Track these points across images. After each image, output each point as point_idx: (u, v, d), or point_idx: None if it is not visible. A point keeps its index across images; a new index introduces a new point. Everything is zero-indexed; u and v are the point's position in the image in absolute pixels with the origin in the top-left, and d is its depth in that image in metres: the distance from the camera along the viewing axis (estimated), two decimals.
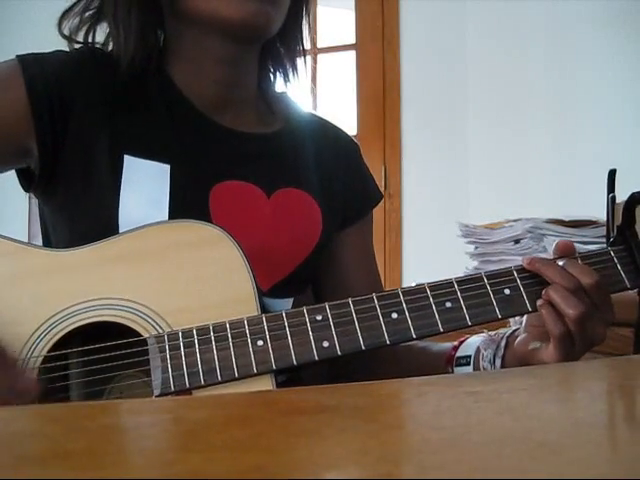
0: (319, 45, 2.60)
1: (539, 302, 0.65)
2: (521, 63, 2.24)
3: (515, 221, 1.52)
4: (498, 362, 0.71)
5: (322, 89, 2.61)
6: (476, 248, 1.63)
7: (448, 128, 2.39)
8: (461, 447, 0.32)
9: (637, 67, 1.94)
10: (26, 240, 0.80)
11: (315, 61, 2.56)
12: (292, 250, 0.80)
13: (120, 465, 0.30)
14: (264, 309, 0.66)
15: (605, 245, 0.70)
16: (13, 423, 0.39)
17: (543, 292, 0.65)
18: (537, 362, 0.66)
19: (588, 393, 0.48)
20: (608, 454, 0.31)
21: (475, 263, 1.60)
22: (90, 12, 0.78)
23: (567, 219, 1.46)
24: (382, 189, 2.41)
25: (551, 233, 1.42)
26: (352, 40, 2.54)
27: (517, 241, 1.48)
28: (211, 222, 0.73)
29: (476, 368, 0.73)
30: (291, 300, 0.80)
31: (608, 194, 0.72)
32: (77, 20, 0.79)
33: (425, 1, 2.43)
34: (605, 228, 0.72)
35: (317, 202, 0.83)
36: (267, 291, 0.76)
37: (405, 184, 2.43)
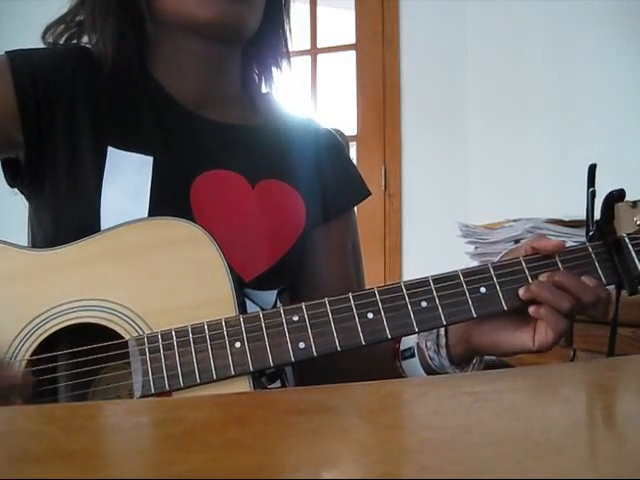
0: (319, 45, 2.59)
1: (531, 309, 0.65)
2: (521, 63, 2.24)
3: (515, 221, 1.52)
4: (443, 351, 0.72)
5: (322, 89, 2.61)
6: (476, 248, 1.63)
7: (448, 128, 2.39)
8: (461, 447, 0.32)
9: (637, 67, 1.93)
10: (25, 237, 0.80)
11: (315, 61, 2.57)
12: (276, 241, 0.80)
13: (119, 465, 0.30)
14: (248, 300, 0.66)
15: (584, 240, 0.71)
16: (13, 423, 0.39)
17: (532, 309, 0.65)
18: (517, 345, 0.67)
19: (588, 393, 0.48)
20: (608, 454, 0.31)
21: (475, 263, 1.60)
22: (72, 29, 0.80)
23: (567, 219, 1.46)
24: (382, 189, 2.40)
25: (551, 233, 1.42)
26: (352, 40, 2.54)
27: (517, 241, 1.48)
28: (191, 213, 0.74)
29: (422, 359, 0.74)
30: (275, 292, 0.80)
31: (588, 189, 0.72)
32: (61, 29, 0.80)
33: (425, 1, 2.43)
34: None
35: (300, 195, 0.83)
36: (251, 282, 0.76)
37: (405, 184, 2.43)
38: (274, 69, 0.88)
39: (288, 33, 0.87)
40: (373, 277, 2.30)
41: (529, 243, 0.68)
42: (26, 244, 0.81)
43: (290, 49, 0.88)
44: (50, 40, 0.80)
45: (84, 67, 0.77)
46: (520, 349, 0.67)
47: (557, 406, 0.41)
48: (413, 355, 0.75)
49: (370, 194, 0.94)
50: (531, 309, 0.65)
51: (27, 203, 0.82)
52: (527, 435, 0.34)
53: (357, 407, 0.43)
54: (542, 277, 0.65)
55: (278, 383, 0.77)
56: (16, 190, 0.81)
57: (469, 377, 0.64)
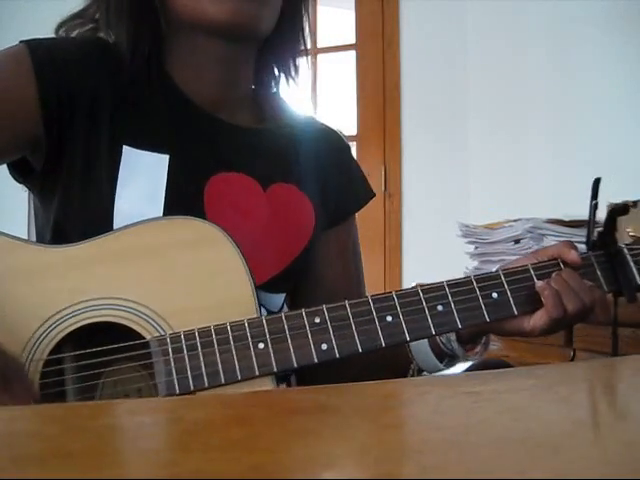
0: (319, 45, 2.59)
1: (538, 283, 0.70)
2: (521, 63, 2.24)
3: (515, 221, 1.52)
4: (453, 335, 0.74)
5: (322, 89, 2.61)
6: (476, 248, 1.63)
7: (448, 128, 2.39)
8: (461, 447, 0.32)
9: (637, 68, 1.93)
10: (25, 236, 0.79)
11: (315, 61, 2.57)
12: (286, 246, 0.80)
13: (120, 465, 0.30)
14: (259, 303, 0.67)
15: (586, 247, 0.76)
16: (13, 423, 0.39)
17: (539, 284, 0.69)
18: (515, 327, 0.71)
19: (588, 393, 0.48)
20: (608, 454, 0.31)
21: (475, 263, 1.60)
22: (88, 25, 0.79)
23: (567, 219, 1.46)
24: (382, 189, 2.40)
25: (551, 233, 1.42)
26: (352, 40, 2.53)
27: (517, 241, 1.48)
28: (204, 213, 0.74)
29: (431, 339, 0.75)
30: (283, 296, 0.80)
31: (591, 201, 0.76)
32: (77, 23, 0.79)
33: (425, 1, 2.43)
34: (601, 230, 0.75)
35: (309, 198, 0.84)
36: (262, 285, 0.76)
37: (405, 184, 2.43)
38: (293, 67, 0.87)
39: (307, 31, 0.87)
40: (373, 277, 2.30)
41: (547, 250, 0.74)
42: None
43: (309, 47, 0.88)
44: (63, 34, 0.79)
45: (104, 63, 0.76)
46: (517, 331, 0.71)
47: (557, 406, 0.41)
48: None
49: (374, 195, 0.94)
50: (538, 283, 0.69)
51: (28, 201, 0.81)
52: (527, 435, 0.34)
53: (357, 407, 0.43)
54: (554, 274, 0.70)
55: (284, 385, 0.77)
56: (12, 185, 0.79)
57: (469, 377, 0.64)
